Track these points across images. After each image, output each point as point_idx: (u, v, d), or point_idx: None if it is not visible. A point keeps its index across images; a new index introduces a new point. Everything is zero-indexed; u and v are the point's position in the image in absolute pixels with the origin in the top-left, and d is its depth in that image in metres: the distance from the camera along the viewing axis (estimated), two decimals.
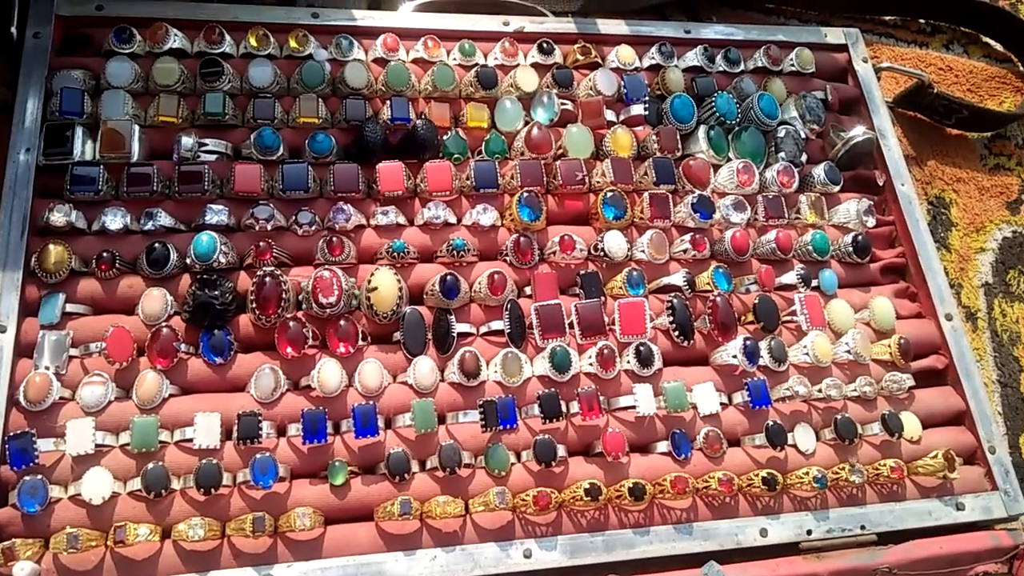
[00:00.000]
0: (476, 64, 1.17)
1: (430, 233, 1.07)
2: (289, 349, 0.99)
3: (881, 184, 1.26)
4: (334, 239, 1.06)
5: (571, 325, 1.01)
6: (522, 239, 1.08)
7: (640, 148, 1.17)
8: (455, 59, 1.27)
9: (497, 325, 1.02)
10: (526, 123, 1.13)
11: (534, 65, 1.27)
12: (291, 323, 0.99)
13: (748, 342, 1.05)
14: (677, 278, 1.08)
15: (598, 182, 1.13)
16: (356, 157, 1.13)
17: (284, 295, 0.99)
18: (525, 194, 1.12)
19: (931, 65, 1.59)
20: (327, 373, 0.98)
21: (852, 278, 1.18)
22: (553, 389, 0.96)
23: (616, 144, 1.16)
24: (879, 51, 1.50)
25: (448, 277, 1.01)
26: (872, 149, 1.25)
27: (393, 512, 0.90)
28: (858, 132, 1.23)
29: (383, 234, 1.07)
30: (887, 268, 1.21)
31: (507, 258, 1.07)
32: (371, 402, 0.95)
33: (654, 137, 1.16)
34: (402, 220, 1.07)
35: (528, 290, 1.05)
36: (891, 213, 1.24)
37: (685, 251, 1.11)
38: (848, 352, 1.09)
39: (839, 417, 1.04)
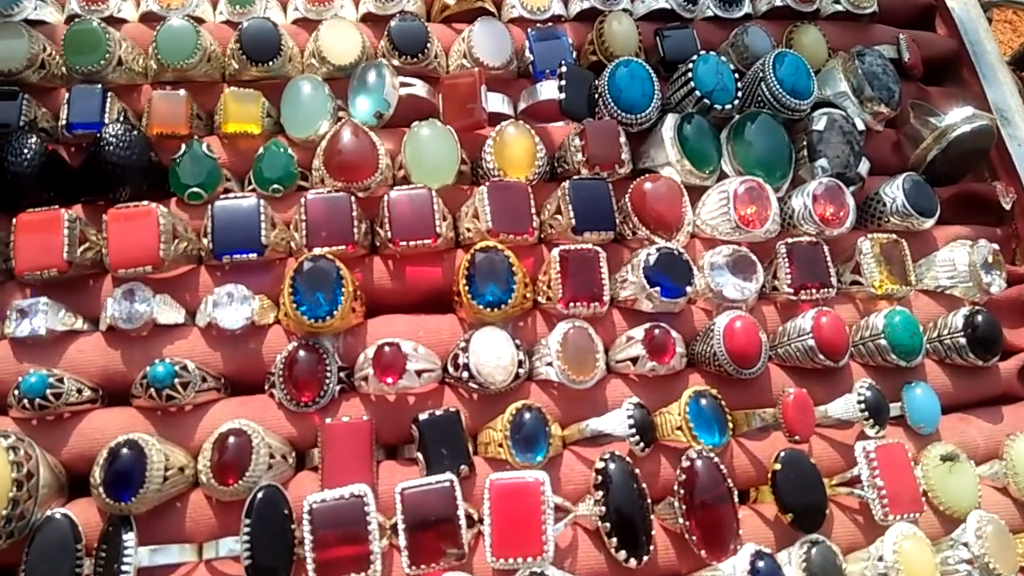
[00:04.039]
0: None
1: (120, 348, 0.68)
2: None
3: (1008, 206, 0.90)
4: None
5: (394, 530, 0.61)
6: (301, 354, 0.67)
7: (555, 162, 0.81)
8: (222, 14, 0.83)
9: (229, 545, 0.61)
10: (339, 121, 0.76)
11: (367, 18, 0.85)
12: None
13: (762, 563, 0.62)
14: (616, 419, 0.67)
15: (467, 231, 0.74)
16: None
17: None
18: (309, 263, 0.66)
19: None
20: None
21: (966, 394, 0.79)
22: None
23: (504, 157, 0.77)
24: None
25: (123, 451, 0.60)
26: (990, 145, 0.90)
27: None
28: (961, 117, 0.87)
29: (25, 354, 0.66)
30: None
31: (273, 393, 0.67)
32: None
33: (577, 140, 0.78)
34: (64, 324, 0.67)
35: (318, 456, 0.66)
36: None
37: (636, 361, 0.71)
38: (968, 564, 0.67)
39: None
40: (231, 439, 0.61)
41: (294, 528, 0.60)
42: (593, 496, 0.64)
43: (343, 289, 0.66)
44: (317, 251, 0.67)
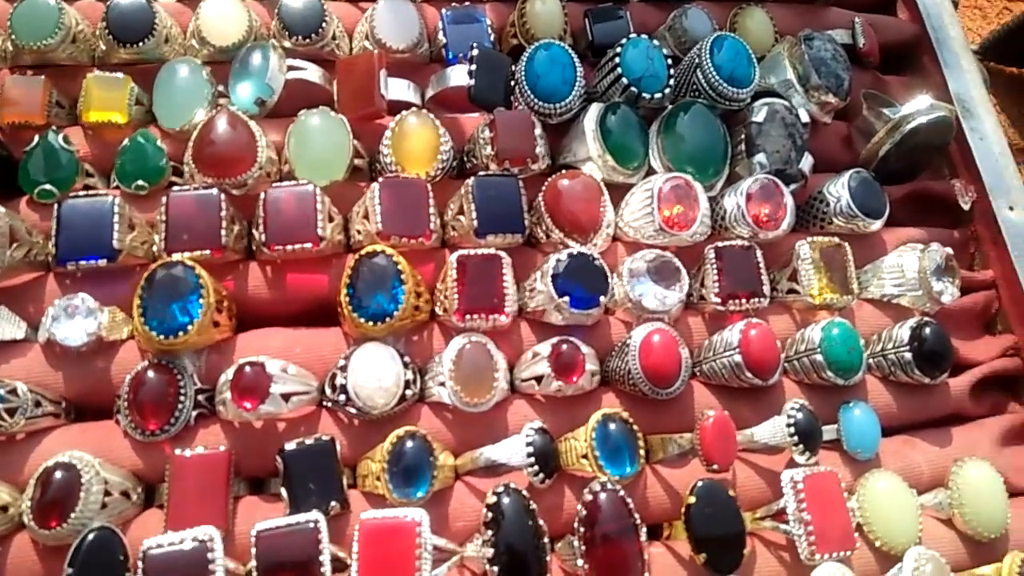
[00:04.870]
0: None
1: None
2: None
3: (968, 206, 0.84)
4: None
5: None
6: (150, 375, 0.59)
7: (464, 156, 0.75)
8: None
9: None
10: (218, 109, 0.69)
11: None
12: None
13: None
14: (513, 447, 0.60)
15: (358, 233, 0.67)
16: None
17: None
18: (162, 271, 0.60)
19: None
20: None
21: (911, 415, 0.72)
22: None
23: (402, 150, 0.69)
24: None
25: None
26: (948, 139, 0.85)
27: None
28: (917, 108, 0.80)
29: None
30: (985, 383, 0.76)
31: (119, 421, 0.60)
32: None
33: (487, 132, 0.71)
34: None
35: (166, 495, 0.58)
36: (986, 264, 0.83)
37: (540, 380, 0.64)
38: None
39: None
40: (57, 474, 0.53)
41: None
42: (482, 535, 0.56)
43: (202, 300, 0.58)
44: (177, 256, 0.59)
